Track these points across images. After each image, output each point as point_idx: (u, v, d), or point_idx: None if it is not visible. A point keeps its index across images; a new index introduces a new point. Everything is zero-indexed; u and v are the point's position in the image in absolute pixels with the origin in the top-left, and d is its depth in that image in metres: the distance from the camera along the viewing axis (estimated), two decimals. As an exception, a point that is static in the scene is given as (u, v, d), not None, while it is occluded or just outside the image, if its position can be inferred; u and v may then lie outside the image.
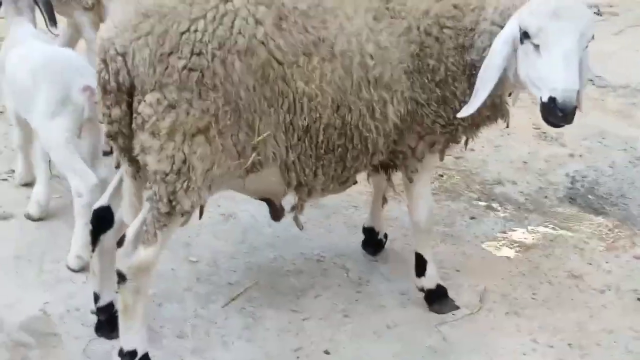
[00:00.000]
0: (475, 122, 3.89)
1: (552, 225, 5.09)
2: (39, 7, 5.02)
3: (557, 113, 3.28)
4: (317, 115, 3.52)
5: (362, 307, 4.32)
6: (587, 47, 3.46)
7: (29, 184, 5.14)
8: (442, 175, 5.61)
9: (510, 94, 3.96)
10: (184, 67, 3.22)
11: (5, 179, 5.35)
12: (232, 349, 3.99)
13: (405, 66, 3.67)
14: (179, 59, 3.22)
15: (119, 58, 3.27)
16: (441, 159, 4.08)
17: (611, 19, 8.30)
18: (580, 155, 5.87)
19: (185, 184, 3.35)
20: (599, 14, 8.35)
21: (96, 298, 4.01)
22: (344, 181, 3.86)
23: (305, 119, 3.50)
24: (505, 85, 3.71)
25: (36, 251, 4.62)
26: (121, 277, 3.56)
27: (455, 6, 3.73)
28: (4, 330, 3.99)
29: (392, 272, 4.59)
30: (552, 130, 6.08)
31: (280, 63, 3.40)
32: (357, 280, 4.55)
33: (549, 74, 3.33)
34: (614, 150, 5.91)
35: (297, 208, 3.90)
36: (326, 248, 4.82)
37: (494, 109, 3.87)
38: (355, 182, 3.99)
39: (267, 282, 4.50)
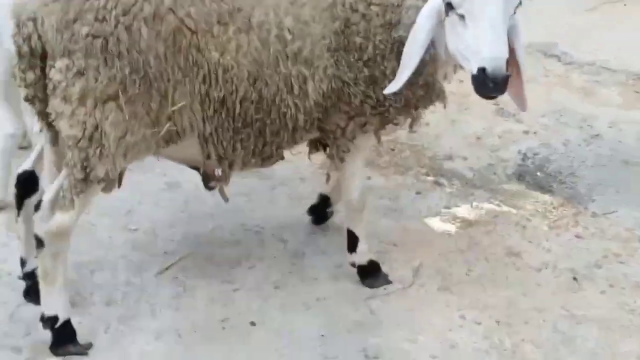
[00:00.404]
0: (409, 103, 3.79)
1: (497, 202, 5.06)
2: None
3: (488, 84, 3.20)
4: (233, 87, 3.47)
5: (294, 279, 4.32)
6: (514, 13, 3.36)
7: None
8: (393, 149, 5.56)
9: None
10: (87, 34, 3.20)
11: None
12: (159, 317, 3.99)
13: (328, 42, 3.58)
14: (82, 25, 3.19)
15: (30, 23, 3.25)
16: (378, 140, 4.01)
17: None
18: (535, 132, 5.82)
19: (98, 150, 3.34)
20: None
21: (22, 263, 4.02)
22: (268, 157, 3.80)
23: (220, 91, 3.46)
24: (437, 62, 3.65)
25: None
26: (39, 242, 3.58)
27: None
28: None
29: (329, 245, 4.57)
30: (510, 106, 6.01)
31: (192, 31, 3.35)
32: (293, 252, 4.53)
33: (476, 44, 3.25)
34: (570, 128, 5.86)
35: (220, 180, 3.86)
36: (267, 219, 4.80)
37: (427, 89, 3.76)
38: (282, 158, 3.92)
39: (203, 252, 4.49)
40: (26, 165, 3.89)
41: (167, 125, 3.41)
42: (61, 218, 3.50)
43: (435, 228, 4.81)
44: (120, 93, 3.27)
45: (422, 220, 4.86)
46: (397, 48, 3.60)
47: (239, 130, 3.59)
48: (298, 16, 3.53)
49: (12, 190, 4.05)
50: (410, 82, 3.58)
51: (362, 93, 3.68)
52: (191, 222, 4.76)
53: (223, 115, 3.52)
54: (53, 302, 3.68)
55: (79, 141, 3.32)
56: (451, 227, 4.82)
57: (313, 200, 4.76)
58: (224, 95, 3.47)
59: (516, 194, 5.15)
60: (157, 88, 3.34)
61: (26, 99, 3.46)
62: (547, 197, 5.14)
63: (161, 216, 4.78)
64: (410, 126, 4.06)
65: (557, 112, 6.06)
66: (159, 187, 5.00)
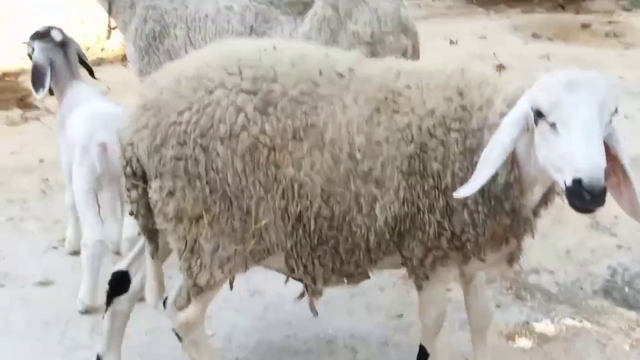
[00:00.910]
0: (493, 235, 3.54)
1: (579, 318, 4.91)
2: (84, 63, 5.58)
3: (584, 196, 2.91)
4: (308, 203, 3.51)
5: (358, 390, 4.32)
6: (611, 121, 3.16)
7: (77, 252, 5.42)
8: (479, 262, 5.50)
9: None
10: (172, 157, 3.47)
11: (56, 247, 5.69)
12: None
13: (400, 164, 3.50)
14: (167, 149, 3.47)
15: (129, 148, 3.59)
16: (462, 274, 3.91)
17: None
18: (629, 248, 5.64)
19: (199, 261, 3.60)
20: None
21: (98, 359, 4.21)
22: (349, 274, 3.77)
23: (297, 206, 3.51)
24: (524, 183, 3.42)
25: (63, 317, 4.89)
26: (177, 336, 3.96)
27: (463, 108, 3.50)
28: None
29: (400, 358, 4.56)
30: (606, 220, 5.90)
31: (269, 148, 3.47)
32: (362, 363, 4.55)
33: (571, 152, 2.98)
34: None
35: (308, 293, 3.90)
36: (341, 329, 4.84)
37: (515, 216, 3.47)
38: (367, 277, 3.89)
39: (273, 360, 4.58)
40: (121, 265, 4.18)
41: (252, 242, 3.55)
42: (184, 315, 3.81)
43: (510, 343, 4.70)
44: (204, 212, 3.48)
45: (498, 334, 4.76)
46: None
47: (315, 247, 3.62)
48: (370, 135, 3.51)
49: (100, 295, 4.34)
50: (495, 211, 3.44)
51: (437, 223, 3.52)
52: (268, 329, 4.86)
53: (300, 232, 3.57)
54: None
55: (183, 253, 3.60)
56: (527, 343, 4.71)
57: (391, 310, 4.77)
58: (300, 211, 3.52)
59: (601, 310, 4.98)
60: (239, 206, 3.50)
61: (131, 214, 3.78)
62: (632, 314, 4.94)
63: (239, 322, 4.91)
64: (509, 262, 3.80)
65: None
66: (241, 294, 5.13)
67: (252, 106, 3.49)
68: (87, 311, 4.94)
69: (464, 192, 3.31)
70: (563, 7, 11.99)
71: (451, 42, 10.17)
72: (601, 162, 2.96)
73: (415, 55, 5.13)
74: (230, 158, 3.44)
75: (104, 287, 4.22)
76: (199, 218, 3.49)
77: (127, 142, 3.57)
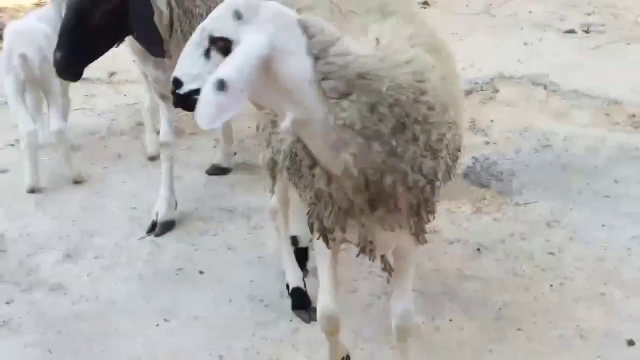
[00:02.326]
0: None
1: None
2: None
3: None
4: None
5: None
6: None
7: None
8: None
9: None
10: None
11: (12, 144, 6.72)
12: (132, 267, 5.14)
13: None
14: None
15: None
16: None
17: (593, 36, 8.96)
18: (495, 143, 6.66)
19: None
20: (587, 31, 9.07)
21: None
22: None
23: None
24: None
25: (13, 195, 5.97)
26: None
27: None
28: None
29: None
30: (482, 124, 6.96)
31: None
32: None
33: None
34: (528, 140, 6.65)
35: None
36: (243, 203, 5.88)
37: None
38: None
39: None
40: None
41: None
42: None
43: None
44: None
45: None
46: None
47: None
48: None
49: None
50: None
51: None
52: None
53: None
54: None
55: None
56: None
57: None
58: None
59: (455, 189, 5.98)
60: None
61: None
62: (482, 191, 5.97)
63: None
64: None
65: (522, 128, 6.86)
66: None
67: None
68: (32, 190, 5.98)
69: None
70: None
71: None
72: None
73: None
74: None
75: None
76: None
77: None
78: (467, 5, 10.29)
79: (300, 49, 2.94)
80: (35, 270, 5.16)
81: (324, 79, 2.95)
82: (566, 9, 9.95)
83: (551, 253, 5.19)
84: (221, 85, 2.75)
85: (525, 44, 8.85)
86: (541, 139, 6.70)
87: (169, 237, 5.48)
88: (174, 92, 3.05)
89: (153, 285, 4.96)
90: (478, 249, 5.26)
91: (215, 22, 3.00)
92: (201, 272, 5.11)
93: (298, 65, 2.93)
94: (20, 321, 4.70)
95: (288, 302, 4.73)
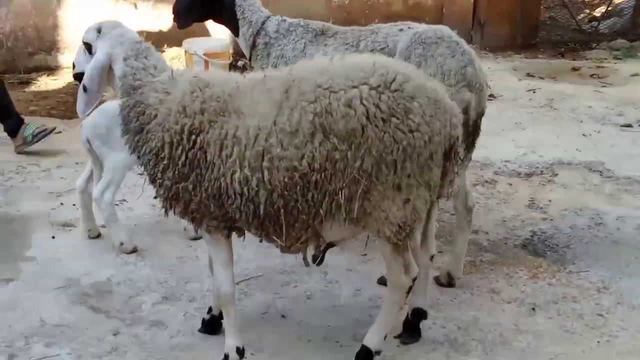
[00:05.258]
0: None
1: (501, 260, 6.53)
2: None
3: None
4: None
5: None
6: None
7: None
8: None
9: None
10: None
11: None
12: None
13: None
14: None
15: None
16: None
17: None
18: (552, 219, 7.27)
19: None
20: None
21: None
22: None
23: None
24: None
25: None
26: None
27: None
28: None
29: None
30: (541, 202, 7.57)
31: None
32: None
33: None
34: (582, 218, 7.25)
35: None
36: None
37: None
38: None
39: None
40: None
41: None
42: None
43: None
44: None
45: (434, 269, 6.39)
46: None
47: None
48: None
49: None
50: None
51: None
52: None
53: None
54: None
55: None
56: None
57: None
58: None
59: (515, 257, 6.60)
60: None
61: None
62: (539, 260, 6.55)
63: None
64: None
65: (577, 207, 7.48)
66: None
67: None
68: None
69: None
70: (562, 55, 13.66)
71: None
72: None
73: (480, 107, 5.70)
74: None
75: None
76: None
77: None
78: (530, 99, 11.01)
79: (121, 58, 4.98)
80: (138, 308, 5.84)
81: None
82: (624, 106, 10.64)
83: (599, 314, 5.74)
84: (84, 88, 5.16)
85: (584, 135, 9.55)
86: (595, 217, 7.29)
87: (255, 286, 6.14)
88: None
89: (240, 324, 5.58)
90: (533, 308, 5.82)
91: (86, 34, 5.20)
92: (283, 316, 5.74)
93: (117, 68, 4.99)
94: (125, 349, 5.36)
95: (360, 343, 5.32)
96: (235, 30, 6.63)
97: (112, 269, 6.41)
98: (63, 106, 9.80)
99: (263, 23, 6.44)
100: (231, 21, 6.60)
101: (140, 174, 7.49)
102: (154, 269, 6.42)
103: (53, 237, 6.97)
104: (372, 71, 4.48)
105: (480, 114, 5.73)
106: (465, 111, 5.31)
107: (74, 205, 7.39)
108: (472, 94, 5.56)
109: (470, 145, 5.63)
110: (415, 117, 4.40)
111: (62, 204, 7.63)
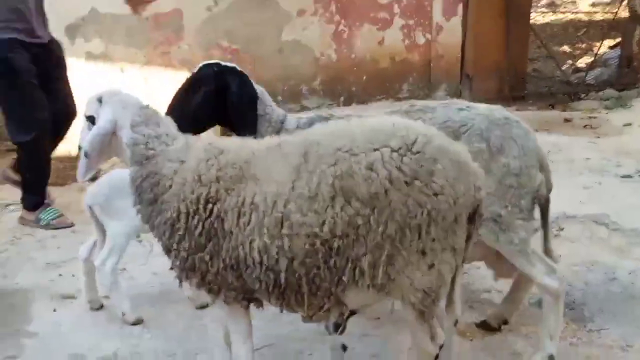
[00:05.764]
0: None
1: (518, 322, 6.37)
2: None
3: None
4: None
5: None
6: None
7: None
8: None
9: None
10: None
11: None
12: None
13: None
14: None
15: None
16: None
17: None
18: (564, 276, 7.10)
19: None
20: (643, 176, 9.67)
21: None
22: None
23: None
24: None
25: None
26: None
27: None
28: None
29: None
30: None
31: None
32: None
33: None
34: (595, 274, 7.12)
35: None
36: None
37: None
38: None
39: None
40: None
41: None
42: None
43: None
44: None
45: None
46: None
47: None
48: None
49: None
50: None
51: None
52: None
53: None
54: None
55: None
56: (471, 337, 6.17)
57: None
58: None
59: (532, 317, 6.44)
60: None
61: None
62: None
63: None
64: None
65: (588, 262, 7.35)
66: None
67: None
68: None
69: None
70: (553, 106, 13.71)
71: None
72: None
73: (548, 187, 5.75)
74: None
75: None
76: None
77: None
78: (526, 152, 10.93)
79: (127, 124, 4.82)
80: (147, 381, 5.64)
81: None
82: (621, 156, 10.60)
83: (626, 372, 5.58)
84: (85, 154, 4.88)
85: (585, 187, 9.46)
86: (608, 272, 7.16)
87: (269, 356, 5.95)
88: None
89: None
90: (550, 362, 5.66)
91: (88, 106, 4.99)
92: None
93: (124, 134, 4.82)
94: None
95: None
96: (251, 130, 5.74)
97: (117, 342, 6.20)
98: (54, 174, 9.59)
99: (282, 122, 5.91)
100: (247, 121, 5.82)
101: (139, 241, 7.49)
102: (160, 341, 6.21)
103: (54, 310, 6.77)
104: (392, 133, 4.36)
105: (549, 190, 5.76)
106: (538, 188, 5.52)
107: (73, 275, 7.20)
108: (543, 175, 5.64)
109: (545, 224, 5.86)
110: (439, 179, 4.26)
111: (60, 275, 7.45)
